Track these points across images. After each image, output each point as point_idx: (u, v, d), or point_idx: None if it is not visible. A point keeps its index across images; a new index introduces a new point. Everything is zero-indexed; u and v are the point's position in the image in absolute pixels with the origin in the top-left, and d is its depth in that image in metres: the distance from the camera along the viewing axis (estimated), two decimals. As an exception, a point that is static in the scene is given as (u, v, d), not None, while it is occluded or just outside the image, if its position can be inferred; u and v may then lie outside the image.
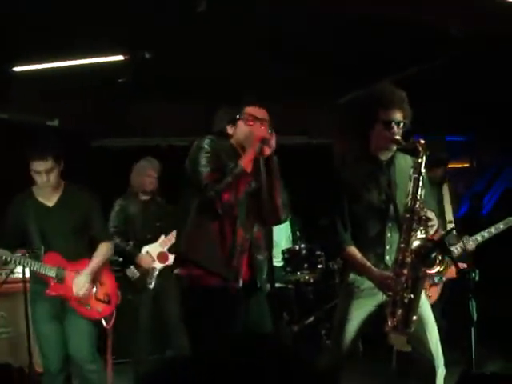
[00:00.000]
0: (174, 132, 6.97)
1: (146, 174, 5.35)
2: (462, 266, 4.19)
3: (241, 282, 3.44)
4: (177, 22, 5.11)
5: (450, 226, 4.44)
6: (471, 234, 4.55)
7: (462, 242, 4.50)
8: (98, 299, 4.26)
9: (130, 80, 5.91)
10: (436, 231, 3.46)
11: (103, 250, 4.31)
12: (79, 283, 4.14)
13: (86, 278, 4.16)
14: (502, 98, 6.39)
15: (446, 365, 3.47)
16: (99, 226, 4.38)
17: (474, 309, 3.12)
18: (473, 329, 3.15)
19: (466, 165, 8.19)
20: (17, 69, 5.70)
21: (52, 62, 5.59)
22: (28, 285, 4.57)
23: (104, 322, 4.28)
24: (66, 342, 4.17)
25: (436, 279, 4.34)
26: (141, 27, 5.17)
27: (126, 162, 5.61)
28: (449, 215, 4.45)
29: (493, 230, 4.53)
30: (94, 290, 4.25)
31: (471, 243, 4.50)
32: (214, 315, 3.38)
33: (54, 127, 6.43)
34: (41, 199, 4.22)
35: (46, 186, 4.15)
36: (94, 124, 6.62)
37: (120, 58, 5.57)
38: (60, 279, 4.14)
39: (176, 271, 3.53)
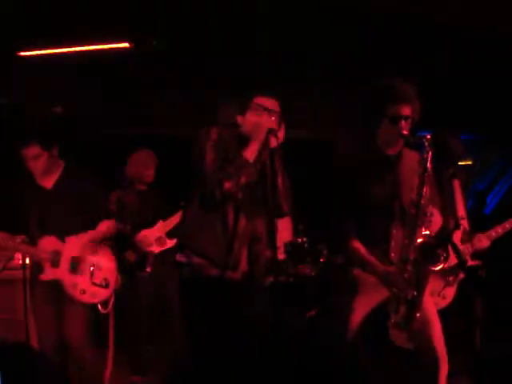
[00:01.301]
0: (179, 121, 6.94)
1: (146, 167, 5.34)
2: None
3: (240, 272, 3.43)
4: (183, 10, 5.09)
5: (463, 222, 4.31)
6: (475, 232, 4.41)
7: (475, 239, 4.33)
8: (94, 283, 4.16)
9: (136, 67, 5.90)
10: (443, 228, 3.44)
11: (102, 226, 4.21)
12: (74, 248, 4.08)
13: (83, 242, 4.11)
14: (506, 95, 6.37)
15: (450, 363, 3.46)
16: (99, 206, 4.28)
17: (480, 307, 3.12)
18: (478, 328, 3.13)
19: (469, 163, 8.19)
20: (22, 54, 5.68)
21: (58, 47, 5.57)
22: (28, 272, 4.56)
23: (100, 307, 4.19)
24: (61, 325, 4.14)
25: (452, 279, 4.18)
26: (148, 15, 5.14)
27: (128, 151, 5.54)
28: (460, 211, 4.36)
29: (507, 225, 4.40)
30: (90, 274, 4.15)
31: (485, 240, 4.35)
32: (213, 305, 3.37)
33: (58, 114, 6.40)
34: (39, 181, 4.17)
35: (35, 172, 4.11)
36: (99, 111, 6.60)
37: (126, 45, 5.54)
38: (55, 263, 4.10)
39: (177, 257, 3.54)
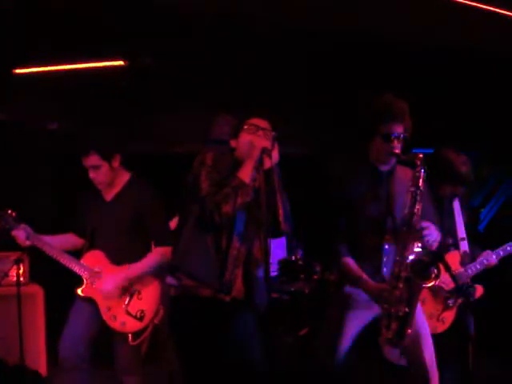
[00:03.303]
0: (174, 139, 6.95)
1: None
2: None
3: (231, 297, 3.39)
4: (178, 28, 5.13)
5: (463, 243, 4.25)
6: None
7: (483, 255, 4.25)
8: (128, 313, 3.97)
9: (130, 85, 5.92)
10: (442, 246, 3.45)
11: (152, 255, 3.98)
12: (108, 283, 3.95)
13: (118, 280, 3.95)
14: (501, 110, 6.40)
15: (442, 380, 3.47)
16: (156, 228, 4.02)
17: (472, 325, 3.12)
18: (470, 344, 3.14)
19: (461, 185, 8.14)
20: (18, 71, 5.71)
21: (53, 65, 5.60)
22: (21, 288, 4.53)
23: (130, 338, 3.96)
24: (89, 337, 4.01)
25: (451, 303, 4.11)
26: (142, 33, 5.18)
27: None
28: (461, 232, 4.28)
29: None
30: (127, 301, 3.99)
31: (494, 257, 4.25)
32: (200, 326, 3.35)
33: (54, 130, 6.42)
34: (103, 193, 4.11)
35: (96, 182, 4.04)
36: (93, 128, 6.61)
37: (120, 63, 5.57)
38: (93, 283, 4.01)
39: (167, 280, 3.52)
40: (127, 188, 4.10)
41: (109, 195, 4.11)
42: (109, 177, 4.04)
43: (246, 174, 3.35)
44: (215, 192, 3.30)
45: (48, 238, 4.15)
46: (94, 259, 4.06)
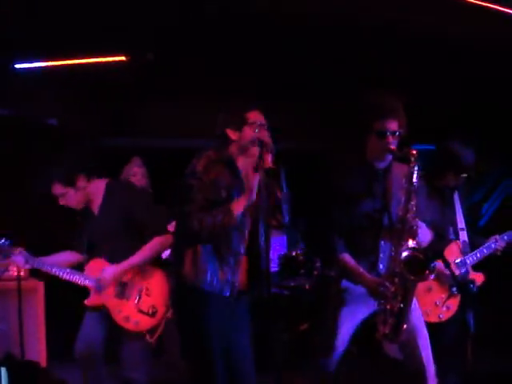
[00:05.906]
0: (174, 133, 6.96)
1: (142, 177, 5.23)
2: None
3: (239, 287, 3.41)
4: (178, 23, 5.13)
5: (462, 232, 4.30)
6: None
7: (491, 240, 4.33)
8: (140, 311, 3.98)
9: (132, 80, 5.93)
10: (434, 242, 3.45)
11: (149, 245, 3.95)
12: (106, 273, 3.96)
13: (114, 272, 3.95)
14: (503, 106, 6.39)
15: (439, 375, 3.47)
16: (147, 221, 3.97)
17: (472, 320, 3.11)
18: (469, 340, 3.14)
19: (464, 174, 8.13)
20: (18, 66, 5.71)
21: (53, 60, 5.60)
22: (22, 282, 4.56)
23: (147, 336, 3.95)
24: (102, 340, 4.04)
25: (455, 290, 4.14)
26: (144, 28, 5.18)
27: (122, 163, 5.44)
28: (460, 222, 4.34)
29: None
30: (137, 300, 3.99)
31: (505, 238, 4.32)
32: (209, 320, 3.36)
33: (54, 126, 6.43)
34: (92, 207, 4.10)
35: (71, 206, 4.05)
36: (93, 124, 6.62)
37: (122, 58, 5.57)
38: (99, 289, 4.01)
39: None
40: (108, 195, 4.08)
41: (95, 208, 4.11)
42: (79, 198, 4.05)
43: (237, 207, 3.29)
44: (203, 207, 3.26)
45: (46, 259, 4.19)
46: (96, 268, 4.06)
